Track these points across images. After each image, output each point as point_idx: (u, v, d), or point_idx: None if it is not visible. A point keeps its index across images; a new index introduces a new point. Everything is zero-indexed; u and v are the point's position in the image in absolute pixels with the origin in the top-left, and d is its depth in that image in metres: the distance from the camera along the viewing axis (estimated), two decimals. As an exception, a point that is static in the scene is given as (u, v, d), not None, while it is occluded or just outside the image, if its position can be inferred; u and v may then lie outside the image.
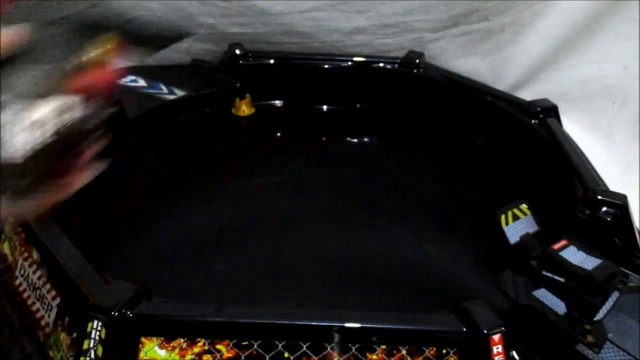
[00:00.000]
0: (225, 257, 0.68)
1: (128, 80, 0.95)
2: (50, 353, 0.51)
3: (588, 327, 0.48)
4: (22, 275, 0.59)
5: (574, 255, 0.55)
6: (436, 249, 0.71)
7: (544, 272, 0.55)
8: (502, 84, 1.01)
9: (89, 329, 0.44)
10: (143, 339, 0.44)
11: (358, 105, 1.00)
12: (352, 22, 0.95)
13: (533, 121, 0.82)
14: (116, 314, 0.44)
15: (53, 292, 0.53)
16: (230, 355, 0.44)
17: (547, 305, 0.52)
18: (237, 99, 0.93)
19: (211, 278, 0.64)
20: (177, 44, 0.99)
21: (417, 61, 0.96)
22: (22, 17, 0.36)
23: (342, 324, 0.45)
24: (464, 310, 0.47)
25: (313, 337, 0.45)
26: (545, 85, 1.01)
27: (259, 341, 0.45)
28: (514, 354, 0.46)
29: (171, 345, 0.44)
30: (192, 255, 0.68)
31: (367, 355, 0.45)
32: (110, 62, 0.38)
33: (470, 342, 0.45)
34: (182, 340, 0.45)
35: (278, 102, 0.99)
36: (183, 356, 0.44)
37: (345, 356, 0.45)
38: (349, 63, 0.97)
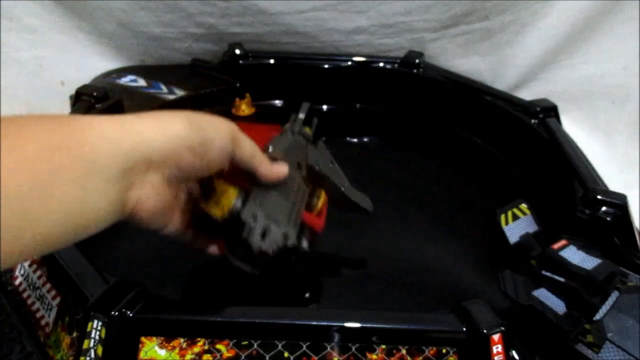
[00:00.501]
0: (225, 256, 0.68)
1: (128, 80, 0.95)
2: (50, 353, 0.51)
3: (588, 326, 0.48)
4: (22, 275, 0.59)
5: (573, 255, 0.55)
6: (436, 248, 0.71)
7: (543, 272, 0.55)
8: (502, 84, 1.01)
9: (89, 329, 0.44)
10: (143, 339, 0.45)
11: (358, 105, 1.00)
12: (352, 22, 0.95)
13: (533, 121, 0.82)
14: (116, 314, 0.44)
15: (53, 292, 0.53)
16: (230, 354, 0.44)
17: (546, 305, 0.52)
18: (237, 99, 0.93)
19: (211, 278, 0.64)
20: (177, 44, 1.00)
21: (417, 61, 0.96)
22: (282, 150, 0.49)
23: (342, 324, 0.45)
24: (464, 309, 0.47)
25: (313, 337, 0.45)
26: (545, 85, 1.01)
27: (259, 341, 0.45)
28: (514, 353, 0.46)
29: (171, 345, 0.44)
30: (192, 255, 0.68)
31: (367, 355, 0.45)
32: (322, 213, 0.53)
33: (470, 342, 0.45)
34: (182, 340, 0.45)
35: (278, 102, 1.00)
36: (183, 356, 0.44)
37: (345, 356, 0.45)
38: (349, 63, 0.97)
